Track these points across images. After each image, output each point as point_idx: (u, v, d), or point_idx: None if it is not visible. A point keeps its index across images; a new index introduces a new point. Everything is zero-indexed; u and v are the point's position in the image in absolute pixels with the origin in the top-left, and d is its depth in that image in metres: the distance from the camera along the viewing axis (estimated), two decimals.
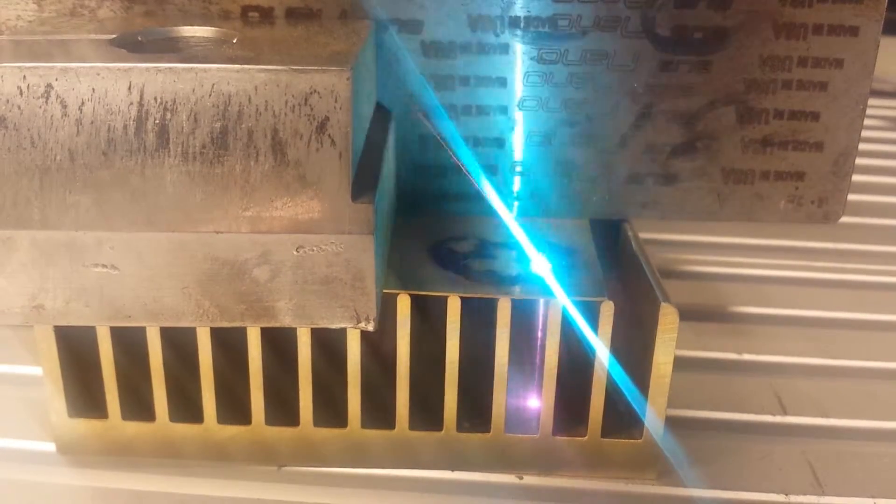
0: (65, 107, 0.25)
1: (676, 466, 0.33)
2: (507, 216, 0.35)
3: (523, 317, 0.32)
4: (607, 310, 0.31)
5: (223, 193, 0.25)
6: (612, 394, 0.32)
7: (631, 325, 0.33)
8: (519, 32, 0.33)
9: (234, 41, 0.29)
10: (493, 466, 0.33)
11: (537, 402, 0.33)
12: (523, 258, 0.33)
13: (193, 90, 0.25)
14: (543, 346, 0.31)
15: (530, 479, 0.33)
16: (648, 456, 0.33)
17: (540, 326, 0.32)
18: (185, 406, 0.33)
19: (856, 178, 0.35)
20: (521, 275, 0.32)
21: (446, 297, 0.30)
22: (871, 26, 0.33)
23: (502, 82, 0.33)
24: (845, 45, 0.33)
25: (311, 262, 0.26)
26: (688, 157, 0.34)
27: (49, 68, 0.25)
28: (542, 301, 0.31)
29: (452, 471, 0.33)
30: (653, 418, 0.32)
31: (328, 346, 0.32)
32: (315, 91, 0.25)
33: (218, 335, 0.32)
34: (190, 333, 0.32)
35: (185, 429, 0.33)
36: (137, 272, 0.26)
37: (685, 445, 0.34)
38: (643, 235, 0.36)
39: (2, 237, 0.26)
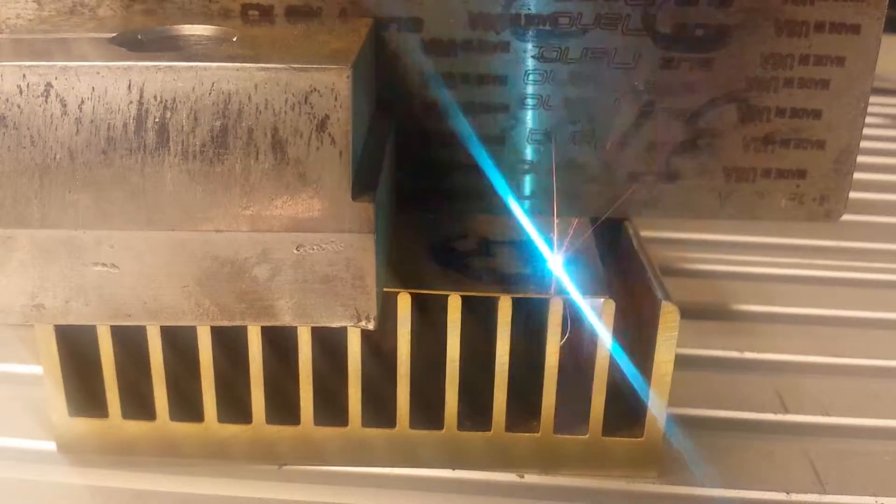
0: (64, 105, 0.25)
1: (678, 465, 0.33)
2: (508, 214, 0.35)
3: (523, 315, 0.32)
4: (608, 308, 0.30)
5: (223, 192, 0.25)
6: (614, 392, 0.32)
7: (632, 323, 0.33)
8: (520, 30, 0.33)
9: (234, 39, 0.29)
10: (494, 465, 0.33)
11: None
12: (524, 257, 0.33)
13: (193, 88, 0.25)
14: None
15: (531, 478, 0.33)
16: (650, 454, 0.33)
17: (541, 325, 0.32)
18: (186, 405, 0.33)
19: (857, 175, 0.35)
20: (521, 273, 0.32)
21: (447, 296, 0.30)
22: (872, 24, 0.33)
23: (503, 80, 0.33)
24: (847, 43, 0.33)
25: (311, 261, 0.26)
26: (689, 155, 0.34)
27: (49, 67, 0.24)
28: (542, 299, 0.31)
29: (453, 469, 0.33)
30: (654, 417, 0.32)
31: (329, 344, 0.32)
32: (315, 89, 0.25)
33: (218, 334, 0.32)
34: (190, 332, 0.32)
35: (185, 428, 0.33)
36: (137, 271, 0.26)
37: (686, 444, 0.34)
38: (644, 233, 0.36)
39: (2, 236, 0.26)
